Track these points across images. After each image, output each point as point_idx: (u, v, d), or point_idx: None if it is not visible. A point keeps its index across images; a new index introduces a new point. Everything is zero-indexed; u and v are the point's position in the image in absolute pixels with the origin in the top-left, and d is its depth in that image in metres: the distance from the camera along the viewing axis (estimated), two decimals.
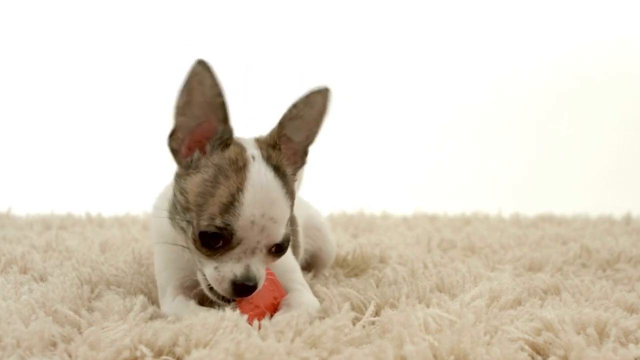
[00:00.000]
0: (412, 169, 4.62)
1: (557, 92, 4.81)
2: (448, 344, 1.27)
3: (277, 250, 1.50)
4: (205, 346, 1.26)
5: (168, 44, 4.44)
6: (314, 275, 2.06)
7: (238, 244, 1.43)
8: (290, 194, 1.49)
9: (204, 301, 1.55)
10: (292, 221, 1.56)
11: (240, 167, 1.43)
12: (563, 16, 4.80)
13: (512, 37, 4.81)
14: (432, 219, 3.73)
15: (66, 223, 3.18)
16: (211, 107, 1.44)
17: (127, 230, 3.02)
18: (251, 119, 1.70)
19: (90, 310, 1.52)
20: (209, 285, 1.46)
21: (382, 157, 4.72)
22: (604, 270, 2.29)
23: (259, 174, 1.43)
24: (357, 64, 4.70)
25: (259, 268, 1.46)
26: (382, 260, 2.32)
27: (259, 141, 1.53)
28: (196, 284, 1.54)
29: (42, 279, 1.89)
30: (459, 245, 2.72)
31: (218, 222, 1.40)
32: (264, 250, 1.47)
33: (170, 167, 1.72)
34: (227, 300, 1.47)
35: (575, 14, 4.78)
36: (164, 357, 1.25)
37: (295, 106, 1.52)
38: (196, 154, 1.48)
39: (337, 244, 2.35)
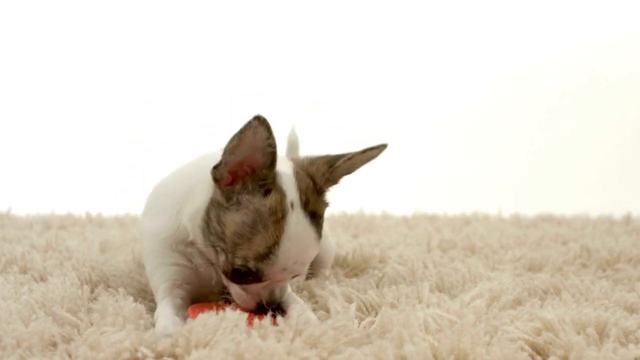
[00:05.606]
0: (412, 169, 4.61)
1: (556, 92, 4.80)
2: (448, 344, 1.27)
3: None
4: (205, 346, 1.26)
5: (169, 46, 4.44)
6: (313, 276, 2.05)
7: (267, 280, 1.50)
8: (321, 235, 1.55)
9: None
10: None
11: (279, 218, 1.45)
12: (563, 15, 4.79)
13: (512, 36, 4.80)
14: (432, 219, 3.73)
15: (66, 223, 3.17)
16: (259, 149, 1.44)
17: (127, 230, 3.01)
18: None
19: (90, 311, 1.52)
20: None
21: (382, 157, 4.70)
22: (604, 270, 2.29)
23: (297, 225, 1.47)
24: (357, 64, 4.70)
25: (282, 288, 1.55)
26: (382, 260, 2.31)
27: (298, 176, 1.53)
28: (189, 278, 1.61)
29: (42, 279, 1.88)
30: (459, 245, 2.71)
31: (251, 265, 1.46)
32: (289, 279, 1.55)
33: (169, 167, 1.71)
34: None
35: (575, 12, 4.77)
36: (164, 358, 1.25)
37: (351, 158, 1.60)
38: (238, 186, 1.48)
39: (337, 244, 2.35)
